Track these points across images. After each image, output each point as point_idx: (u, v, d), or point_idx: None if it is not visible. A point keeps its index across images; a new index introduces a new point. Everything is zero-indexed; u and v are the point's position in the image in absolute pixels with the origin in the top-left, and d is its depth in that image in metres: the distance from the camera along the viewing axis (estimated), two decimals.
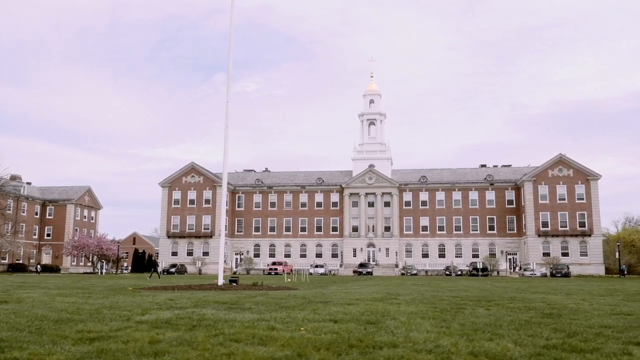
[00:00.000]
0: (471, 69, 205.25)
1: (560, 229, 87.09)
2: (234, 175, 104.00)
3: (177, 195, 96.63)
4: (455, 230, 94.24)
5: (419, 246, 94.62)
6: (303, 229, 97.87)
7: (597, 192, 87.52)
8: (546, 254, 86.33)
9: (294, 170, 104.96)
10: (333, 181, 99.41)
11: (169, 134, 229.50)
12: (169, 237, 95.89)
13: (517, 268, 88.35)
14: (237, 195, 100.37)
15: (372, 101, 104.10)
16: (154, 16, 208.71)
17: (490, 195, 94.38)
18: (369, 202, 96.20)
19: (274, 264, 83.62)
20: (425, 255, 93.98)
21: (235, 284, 27.95)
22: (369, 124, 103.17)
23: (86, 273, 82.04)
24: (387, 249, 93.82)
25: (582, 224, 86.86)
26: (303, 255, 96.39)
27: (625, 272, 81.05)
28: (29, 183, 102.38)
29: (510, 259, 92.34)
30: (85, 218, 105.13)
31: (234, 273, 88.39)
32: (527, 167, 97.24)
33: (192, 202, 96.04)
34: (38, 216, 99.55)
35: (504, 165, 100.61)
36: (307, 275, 53.01)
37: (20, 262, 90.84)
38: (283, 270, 76.96)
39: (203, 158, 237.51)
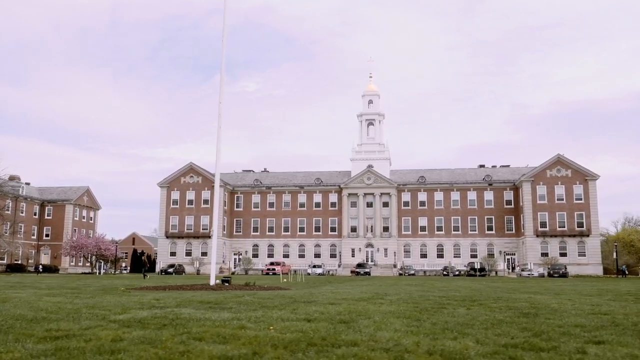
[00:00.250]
0: (471, 69, 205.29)
1: (558, 229, 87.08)
2: (232, 176, 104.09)
3: (175, 195, 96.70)
4: (453, 231, 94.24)
5: (417, 246, 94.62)
6: (301, 229, 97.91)
7: (595, 193, 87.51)
8: (544, 254, 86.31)
9: (292, 171, 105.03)
10: (332, 181, 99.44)
11: (169, 134, 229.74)
12: (167, 237, 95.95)
13: (516, 268, 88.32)
14: (235, 196, 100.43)
15: (370, 101, 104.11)
16: (154, 16, 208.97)
17: (489, 195, 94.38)
18: (367, 203, 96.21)
19: (271, 264, 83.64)
20: (423, 256, 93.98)
21: (227, 284, 27.97)
22: (367, 124, 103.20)
23: (84, 273, 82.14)
24: (386, 249, 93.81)
25: (580, 224, 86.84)
26: (301, 256, 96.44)
27: (626, 273, 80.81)
28: (27, 183, 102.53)
29: (508, 259, 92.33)
30: (84, 218, 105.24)
31: (233, 273, 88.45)
32: (525, 167, 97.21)
33: (190, 202, 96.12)
34: (37, 216, 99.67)
35: (502, 166, 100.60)
36: (302, 275, 53.02)
37: (19, 262, 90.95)
38: (281, 271, 76.82)
39: (203, 158, 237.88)
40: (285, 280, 43.10)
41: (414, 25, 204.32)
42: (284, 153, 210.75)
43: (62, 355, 5.68)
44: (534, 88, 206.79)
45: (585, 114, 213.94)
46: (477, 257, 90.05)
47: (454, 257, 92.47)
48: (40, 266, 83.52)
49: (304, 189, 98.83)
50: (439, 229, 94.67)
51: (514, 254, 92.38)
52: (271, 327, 8.24)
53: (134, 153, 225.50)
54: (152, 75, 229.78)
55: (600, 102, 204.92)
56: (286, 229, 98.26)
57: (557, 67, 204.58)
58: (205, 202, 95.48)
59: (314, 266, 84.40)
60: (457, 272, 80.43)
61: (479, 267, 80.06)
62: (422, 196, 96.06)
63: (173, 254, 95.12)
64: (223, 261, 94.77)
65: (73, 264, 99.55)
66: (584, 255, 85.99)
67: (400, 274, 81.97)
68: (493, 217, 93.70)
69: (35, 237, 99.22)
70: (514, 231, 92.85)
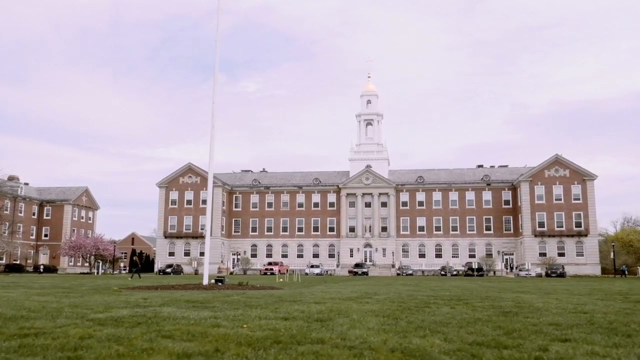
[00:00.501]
0: (471, 69, 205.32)
1: (556, 229, 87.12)
2: (231, 176, 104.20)
3: (174, 195, 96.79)
4: (452, 231, 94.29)
5: (415, 246, 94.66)
6: (300, 230, 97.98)
7: (593, 193, 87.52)
8: (542, 254, 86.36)
9: (291, 171, 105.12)
10: (330, 181, 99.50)
11: (169, 134, 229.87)
12: (166, 237, 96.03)
13: (514, 268, 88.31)
14: (234, 196, 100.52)
15: (369, 101, 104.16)
16: (154, 16, 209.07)
17: (487, 195, 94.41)
18: (365, 203, 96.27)
19: (269, 264, 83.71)
20: (422, 256, 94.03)
21: (221, 284, 28.03)
22: (366, 124, 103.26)
23: (83, 273, 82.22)
24: (384, 249, 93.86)
25: (578, 224, 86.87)
26: (300, 256, 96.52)
27: (626, 273, 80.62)
28: (26, 183, 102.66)
29: (507, 259, 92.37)
30: (82, 218, 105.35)
31: (231, 273, 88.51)
32: (523, 167, 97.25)
33: (189, 202, 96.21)
34: (35, 216, 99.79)
35: (500, 166, 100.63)
36: (299, 275, 53.08)
37: (18, 262, 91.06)
38: (279, 271, 76.97)
39: (202, 158, 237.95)
40: (281, 280, 43.15)
41: (414, 25, 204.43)
42: (283, 153, 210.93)
43: (24, 352, 5.73)
44: (534, 88, 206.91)
45: (585, 114, 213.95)
46: (475, 257, 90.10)
47: (453, 257, 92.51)
48: (42, 266, 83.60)
49: (302, 189, 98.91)
50: (437, 229, 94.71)
51: (512, 254, 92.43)
52: (245, 325, 8.28)
53: (134, 153, 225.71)
54: (152, 75, 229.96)
55: (600, 102, 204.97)
56: (285, 229, 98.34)
57: (557, 67, 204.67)
58: (204, 202, 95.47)
59: (312, 266, 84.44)
60: (455, 272, 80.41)
61: (476, 267, 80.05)
62: (421, 196, 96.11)
63: (171, 254, 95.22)
64: (222, 261, 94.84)
65: (72, 264, 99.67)
66: (582, 255, 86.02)
67: (398, 274, 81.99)
68: (491, 217, 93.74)
69: (34, 237, 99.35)
70: (512, 231, 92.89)
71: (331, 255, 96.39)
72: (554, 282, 42.45)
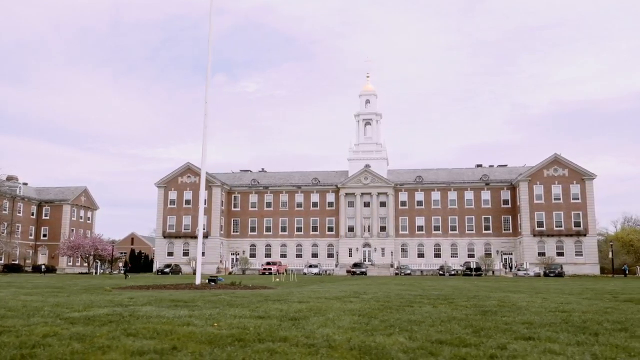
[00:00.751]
0: (471, 69, 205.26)
1: (555, 228, 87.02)
2: (230, 176, 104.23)
3: (173, 195, 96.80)
4: (450, 230, 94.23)
5: (414, 246, 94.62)
6: (299, 229, 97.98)
7: (592, 192, 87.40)
8: (541, 254, 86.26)
9: (289, 171, 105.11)
10: (329, 181, 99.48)
11: (169, 134, 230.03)
12: (164, 237, 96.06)
13: (513, 268, 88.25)
14: (233, 196, 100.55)
15: (368, 101, 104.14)
16: (155, 16, 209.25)
17: (486, 195, 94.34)
18: (364, 202, 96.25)
19: (268, 264, 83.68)
20: (420, 255, 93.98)
21: (214, 284, 28.11)
22: (364, 124, 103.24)
23: (81, 273, 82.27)
24: (383, 249, 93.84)
25: (577, 224, 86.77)
26: (299, 255, 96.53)
27: (627, 272, 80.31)
28: (25, 184, 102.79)
29: (505, 258, 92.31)
30: (81, 218, 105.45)
31: (230, 273, 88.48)
32: (522, 167, 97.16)
33: (187, 202, 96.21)
34: (34, 216, 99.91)
35: (499, 165, 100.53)
36: (295, 275, 53.12)
37: (16, 262, 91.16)
38: (277, 270, 76.84)
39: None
40: (277, 280, 43.19)
41: (414, 25, 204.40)
42: (283, 153, 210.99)
43: None
44: (534, 88, 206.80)
45: (585, 114, 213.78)
46: (474, 257, 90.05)
47: (451, 256, 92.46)
48: (43, 266, 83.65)
49: (301, 188, 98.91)
50: (436, 228, 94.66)
51: (511, 254, 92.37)
52: (215, 324, 8.30)
53: (134, 153, 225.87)
54: (152, 75, 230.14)
55: (600, 102, 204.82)
56: (283, 229, 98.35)
57: (557, 67, 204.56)
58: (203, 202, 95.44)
59: (310, 266, 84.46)
60: (453, 272, 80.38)
61: (474, 266, 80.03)
62: (420, 196, 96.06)
63: (170, 254, 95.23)
64: (220, 261, 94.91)
65: (71, 264, 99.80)
66: (581, 255, 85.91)
67: (397, 274, 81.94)
68: (490, 216, 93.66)
69: (32, 237, 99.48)
70: (511, 231, 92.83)
71: (330, 255, 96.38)
72: (549, 282, 42.43)
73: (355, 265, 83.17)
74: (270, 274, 74.49)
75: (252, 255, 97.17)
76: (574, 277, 67.60)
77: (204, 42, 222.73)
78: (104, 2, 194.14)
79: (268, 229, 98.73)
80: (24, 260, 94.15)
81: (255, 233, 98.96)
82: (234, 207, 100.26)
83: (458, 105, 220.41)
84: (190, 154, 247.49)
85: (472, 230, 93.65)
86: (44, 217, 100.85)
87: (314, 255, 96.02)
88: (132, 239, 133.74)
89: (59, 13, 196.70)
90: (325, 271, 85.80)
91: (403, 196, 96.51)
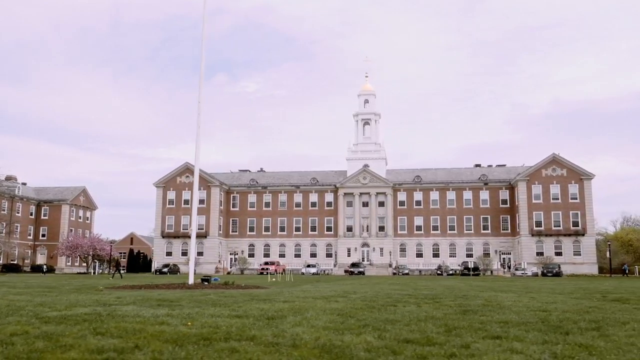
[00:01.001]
0: (471, 69, 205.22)
1: (553, 228, 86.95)
2: (228, 176, 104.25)
3: (171, 195, 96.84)
4: (449, 230, 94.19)
5: (413, 246, 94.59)
6: (297, 229, 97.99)
7: (591, 192, 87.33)
8: (540, 254, 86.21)
9: (288, 171, 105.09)
10: (327, 181, 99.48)
11: (169, 134, 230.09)
12: (163, 237, 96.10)
13: (511, 268, 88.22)
14: (231, 196, 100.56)
15: (366, 101, 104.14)
16: (155, 16, 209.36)
17: (485, 195, 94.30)
18: (363, 202, 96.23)
19: (266, 263, 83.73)
20: (419, 255, 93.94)
21: (207, 283, 28.11)
22: (363, 124, 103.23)
23: (80, 273, 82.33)
24: (381, 249, 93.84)
25: (575, 224, 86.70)
26: (297, 255, 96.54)
27: (627, 272, 79.99)
28: (24, 183, 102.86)
29: (504, 258, 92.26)
30: (80, 218, 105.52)
31: (229, 273, 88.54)
32: (521, 166, 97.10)
33: (186, 202, 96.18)
34: (33, 216, 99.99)
35: (498, 165, 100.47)
36: (291, 275, 53.15)
37: (15, 262, 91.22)
38: (275, 270, 77.02)
39: (202, 158, 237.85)
40: (273, 279, 43.21)
41: (414, 25, 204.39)
42: (283, 153, 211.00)
43: None
44: (534, 88, 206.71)
45: (585, 114, 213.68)
46: (473, 257, 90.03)
47: (450, 256, 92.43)
48: (45, 266, 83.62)
49: (300, 188, 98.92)
50: (435, 228, 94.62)
51: (510, 254, 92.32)
52: (189, 323, 8.32)
53: (134, 153, 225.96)
54: (152, 75, 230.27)
55: (600, 102, 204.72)
56: (282, 229, 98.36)
57: (557, 67, 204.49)
58: (202, 201, 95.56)
59: (308, 266, 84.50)
60: (451, 272, 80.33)
61: (472, 266, 79.99)
62: (418, 196, 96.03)
63: (169, 253, 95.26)
64: (219, 261, 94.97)
65: (69, 264, 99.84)
66: (579, 255, 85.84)
67: (395, 274, 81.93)
68: (489, 216, 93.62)
69: (31, 237, 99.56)
70: (509, 230, 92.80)
71: (329, 255, 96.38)
72: (545, 282, 42.44)
73: (353, 265, 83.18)
74: (269, 273, 74.61)
75: (251, 255, 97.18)
76: (572, 277, 67.58)
77: (205, 42, 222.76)
78: (104, 2, 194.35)
79: (267, 229, 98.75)
80: (23, 260, 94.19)
81: (254, 233, 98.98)
82: (233, 207, 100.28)
83: (458, 105, 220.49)
84: (189, 154, 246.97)
85: (471, 230, 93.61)
86: (42, 217, 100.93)
87: (313, 255, 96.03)
88: (132, 239, 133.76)
89: (59, 13, 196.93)
90: (324, 271, 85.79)
91: (402, 196, 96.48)
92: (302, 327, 7.92)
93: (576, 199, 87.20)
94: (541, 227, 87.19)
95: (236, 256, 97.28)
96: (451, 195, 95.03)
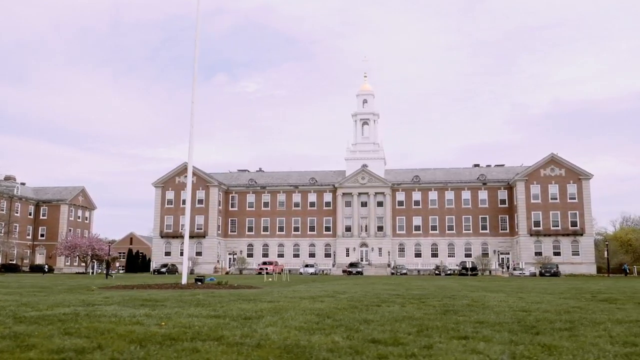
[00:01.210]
0: (471, 69, 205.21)
1: (552, 228, 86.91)
2: (227, 176, 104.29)
3: (170, 195, 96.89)
4: (448, 230, 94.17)
5: (411, 246, 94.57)
6: (296, 229, 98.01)
7: (589, 192, 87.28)
8: (538, 254, 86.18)
9: (287, 170, 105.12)
10: (326, 181, 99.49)
11: (170, 134, 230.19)
12: (162, 237, 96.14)
13: (510, 267, 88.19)
14: (230, 196, 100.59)
15: (365, 101, 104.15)
16: (155, 16, 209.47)
17: (483, 194, 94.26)
18: (361, 202, 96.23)
19: (264, 263, 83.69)
20: (418, 255, 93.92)
21: (200, 283, 28.10)
22: (362, 124, 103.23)
23: (79, 273, 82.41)
24: (380, 249, 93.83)
25: (573, 224, 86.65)
26: (296, 255, 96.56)
27: (628, 272, 79.69)
28: (23, 183, 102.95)
29: (503, 258, 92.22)
30: (79, 218, 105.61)
31: (227, 273, 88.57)
32: (520, 166, 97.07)
33: (185, 202, 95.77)
34: (32, 216, 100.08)
35: (497, 165, 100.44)
36: (287, 275, 53.21)
37: (14, 262, 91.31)
38: (273, 270, 76.95)
39: (201, 158, 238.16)
40: (270, 279, 43.25)
41: (414, 25, 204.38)
42: (283, 153, 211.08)
43: None
44: (534, 88, 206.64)
45: (585, 114, 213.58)
46: (471, 257, 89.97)
47: (449, 256, 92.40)
48: (46, 266, 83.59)
49: (298, 188, 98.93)
50: (433, 228, 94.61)
51: (508, 254, 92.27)
52: (163, 323, 8.34)
53: (134, 153, 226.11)
54: (152, 75, 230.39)
55: (600, 102, 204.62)
56: (281, 229, 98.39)
57: (557, 67, 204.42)
58: (200, 201, 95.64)
59: (307, 266, 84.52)
60: (449, 272, 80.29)
61: (470, 266, 79.95)
62: (417, 195, 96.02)
63: (168, 253, 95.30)
64: (218, 261, 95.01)
65: (68, 264, 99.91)
66: (578, 255, 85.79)
67: (392, 274, 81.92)
68: (487, 216, 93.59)
69: (30, 237, 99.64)
70: (508, 230, 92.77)
71: (327, 255, 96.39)
72: (541, 282, 42.43)
73: (351, 265, 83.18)
74: (267, 273, 74.60)
75: (250, 255, 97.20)
76: (569, 277, 67.54)
77: (205, 42, 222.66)
78: (104, 2, 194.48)
79: (265, 229, 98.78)
80: (22, 260, 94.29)
81: (253, 233, 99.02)
82: (232, 207, 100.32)
83: (458, 105, 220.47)
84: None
85: (470, 230, 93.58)
86: (41, 217, 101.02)
87: (312, 255, 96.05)
88: (131, 238, 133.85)
89: (59, 13, 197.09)
90: (322, 271, 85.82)
91: (400, 196, 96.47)
92: (274, 327, 7.94)
93: (574, 198, 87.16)
94: (539, 227, 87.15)
95: (235, 256, 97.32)
96: (450, 195, 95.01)
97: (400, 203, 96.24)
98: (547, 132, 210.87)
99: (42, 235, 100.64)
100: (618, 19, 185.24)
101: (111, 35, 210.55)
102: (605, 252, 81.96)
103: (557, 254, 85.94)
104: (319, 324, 8.57)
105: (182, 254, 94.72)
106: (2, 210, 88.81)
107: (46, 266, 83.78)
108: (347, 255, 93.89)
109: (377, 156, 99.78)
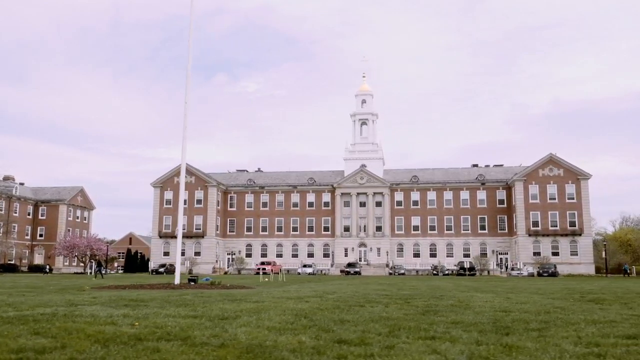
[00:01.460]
0: (471, 69, 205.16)
1: (550, 228, 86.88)
2: (226, 176, 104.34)
3: (169, 195, 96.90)
4: (446, 230, 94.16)
5: (410, 246, 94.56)
6: (295, 229, 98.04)
7: (588, 192, 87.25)
8: (536, 254, 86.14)
9: (286, 170, 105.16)
10: (325, 181, 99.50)
11: (170, 134, 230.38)
12: (160, 237, 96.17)
13: (508, 268, 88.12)
14: (229, 196, 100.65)
15: (364, 101, 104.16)
16: (154, 16, 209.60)
17: (482, 195, 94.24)
18: (360, 202, 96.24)
19: (262, 263, 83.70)
20: (416, 255, 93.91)
21: (193, 283, 28.11)
22: (361, 124, 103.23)
23: (77, 273, 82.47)
24: (379, 249, 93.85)
25: (572, 224, 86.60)
26: (295, 255, 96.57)
27: (628, 272, 79.33)
28: (21, 183, 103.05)
29: (501, 258, 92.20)
30: (77, 218, 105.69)
31: (226, 273, 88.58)
32: (518, 166, 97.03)
33: (184, 202, 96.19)
34: (30, 216, 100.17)
35: (495, 165, 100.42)
36: (284, 275, 53.19)
37: (12, 262, 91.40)
38: (272, 270, 76.98)
39: (200, 158, 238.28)
40: (266, 280, 43.24)
41: (414, 25, 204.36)
42: (283, 153, 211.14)
43: None
44: (534, 88, 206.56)
45: (585, 114, 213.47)
46: (470, 257, 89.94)
47: (447, 256, 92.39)
48: (47, 266, 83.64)
49: (297, 188, 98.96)
50: (432, 228, 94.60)
51: (507, 254, 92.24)
52: (136, 323, 8.37)
53: (134, 153, 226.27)
54: (152, 75, 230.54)
55: (600, 102, 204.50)
56: (279, 229, 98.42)
57: (557, 67, 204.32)
58: (199, 201, 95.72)
59: (305, 266, 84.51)
60: (447, 272, 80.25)
61: (468, 266, 79.91)
62: (415, 196, 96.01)
63: (166, 253, 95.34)
64: (216, 261, 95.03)
65: (67, 264, 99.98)
66: (576, 255, 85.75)
67: (391, 274, 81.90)
68: (486, 216, 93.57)
69: (29, 237, 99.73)
70: (506, 230, 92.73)
71: (326, 255, 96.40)
72: (537, 282, 42.40)
73: (350, 265, 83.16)
74: (265, 273, 74.63)
75: (248, 255, 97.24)
76: (567, 277, 67.50)
77: (204, 42, 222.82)
78: (104, 2, 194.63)
79: (264, 229, 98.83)
80: (20, 260, 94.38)
81: (252, 233, 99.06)
82: (230, 207, 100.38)
83: (458, 105, 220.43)
84: (190, 154, 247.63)
85: (468, 230, 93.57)
86: (40, 217, 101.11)
87: (310, 255, 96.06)
88: (130, 238, 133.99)
89: (59, 13, 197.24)
90: (321, 271, 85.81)
91: (399, 196, 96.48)
92: (246, 328, 7.96)
93: (573, 199, 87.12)
94: (538, 227, 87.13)
95: (233, 256, 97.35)
96: (448, 195, 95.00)
97: (399, 203, 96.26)
98: (546, 132, 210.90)
99: (40, 235, 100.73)
100: (618, 19, 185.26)
101: (111, 35, 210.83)
102: (604, 252, 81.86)
103: (555, 254, 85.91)
104: (293, 324, 8.59)
105: (181, 253, 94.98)
106: (1, 210, 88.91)
107: (47, 266, 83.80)
108: (346, 255, 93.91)
109: (375, 156, 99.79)
